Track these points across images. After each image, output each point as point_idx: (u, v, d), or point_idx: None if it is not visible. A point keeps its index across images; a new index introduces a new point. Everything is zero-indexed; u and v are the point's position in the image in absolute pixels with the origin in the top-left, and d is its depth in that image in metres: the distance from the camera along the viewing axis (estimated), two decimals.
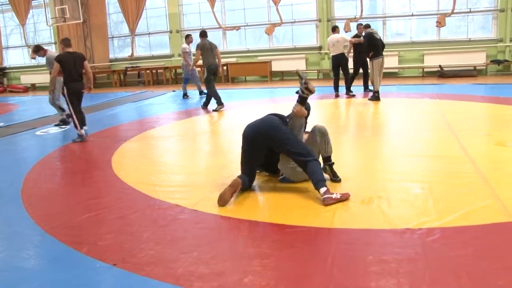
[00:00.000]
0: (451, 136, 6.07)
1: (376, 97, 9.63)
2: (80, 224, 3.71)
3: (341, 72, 10.68)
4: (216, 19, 16.25)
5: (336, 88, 10.67)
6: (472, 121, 7.22)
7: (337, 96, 10.57)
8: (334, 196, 3.83)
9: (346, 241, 3.13)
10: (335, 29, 10.97)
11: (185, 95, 12.45)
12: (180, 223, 3.63)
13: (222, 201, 3.90)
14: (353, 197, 3.93)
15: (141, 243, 3.26)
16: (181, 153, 6.41)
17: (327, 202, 3.79)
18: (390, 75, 13.77)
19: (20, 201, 4.40)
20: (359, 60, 10.96)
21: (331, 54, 11.04)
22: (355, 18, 14.73)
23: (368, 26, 10.31)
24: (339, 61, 10.62)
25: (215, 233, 3.42)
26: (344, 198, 3.86)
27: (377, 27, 14.64)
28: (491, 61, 13.83)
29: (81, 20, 17.47)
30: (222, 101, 9.66)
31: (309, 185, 4.20)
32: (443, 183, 4.24)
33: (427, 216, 3.42)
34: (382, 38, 10.31)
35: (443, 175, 4.49)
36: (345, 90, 10.67)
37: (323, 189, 3.86)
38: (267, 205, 3.95)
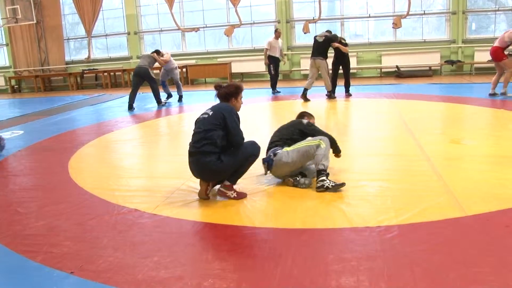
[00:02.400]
0: (408, 135, 6.23)
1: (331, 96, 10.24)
2: (34, 232, 3.59)
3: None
4: (175, 21, 16.11)
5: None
6: (428, 120, 7.45)
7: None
8: (230, 194, 4.07)
9: (306, 241, 3.16)
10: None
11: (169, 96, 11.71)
12: (139, 227, 3.57)
13: (201, 196, 4.11)
14: (314, 196, 3.99)
15: (99, 250, 3.19)
16: (140, 157, 6.32)
17: (220, 194, 4.12)
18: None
19: None
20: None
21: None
22: (313, 19, 14.95)
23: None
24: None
25: (174, 237, 3.38)
26: (239, 197, 4.06)
27: (335, 29, 14.89)
28: (445, 62, 14.31)
29: (35, 21, 16.95)
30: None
31: (269, 188, 4.24)
32: (401, 181, 4.35)
33: (385, 214, 3.50)
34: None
35: (401, 174, 4.61)
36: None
37: (227, 182, 4.11)
38: (227, 208, 3.94)
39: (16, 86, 18.48)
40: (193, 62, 16.32)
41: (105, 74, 17.04)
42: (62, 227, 3.68)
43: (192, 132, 4.15)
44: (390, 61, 14.71)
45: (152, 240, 3.32)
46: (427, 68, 14.37)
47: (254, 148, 4.19)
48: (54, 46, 17.90)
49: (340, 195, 3.98)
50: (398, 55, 14.65)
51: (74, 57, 18.23)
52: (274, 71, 11.91)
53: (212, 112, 4.09)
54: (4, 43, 18.64)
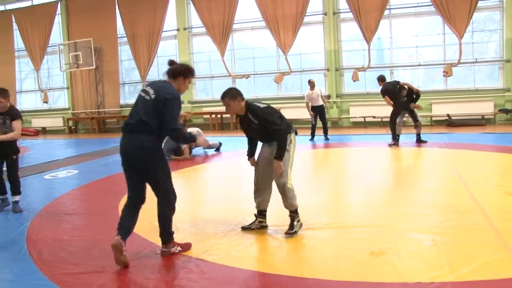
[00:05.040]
0: (461, 186, 6.01)
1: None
2: (84, 271, 3.66)
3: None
4: (226, 67, 16.58)
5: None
6: (482, 170, 7.16)
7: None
8: (175, 250, 3.94)
9: None
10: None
11: None
12: (186, 273, 3.56)
13: (119, 262, 3.69)
14: (362, 248, 3.87)
15: None
16: (188, 201, 6.37)
17: (163, 255, 3.92)
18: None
19: (25, 247, 4.37)
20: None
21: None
22: (363, 67, 15.00)
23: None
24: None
25: (222, 284, 3.35)
26: (184, 249, 3.98)
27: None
28: (499, 110, 13.88)
29: (94, 66, 17.92)
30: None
31: (319, 235, 4.16)
32: (455, 235, 4.16)
33: (439, 269, 3.34)
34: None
35: (455, 227, 4.41)
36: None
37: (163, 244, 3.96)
38: (275, 256, 3.87)
39: (73, 127, 19.36)
40: None
41: None
42: (110, 268, 3.73)
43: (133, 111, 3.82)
44: (440, 110, 14.43)
45: (199, 287, 3.30)
46: (480, 117, 13.98)
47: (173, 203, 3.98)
48: (110, 90, 18.75)
49: (391, 248, 3.84)
50: (449, 103, 14.37)
51: (128, 100, 18.97)
52: (322, 120, 12.01)
53: (154, 95, 3.70)
54: (65, 86, 19.69)
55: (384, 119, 14.38)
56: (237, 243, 4.17)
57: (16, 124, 5.70)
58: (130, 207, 3.94)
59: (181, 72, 3.98)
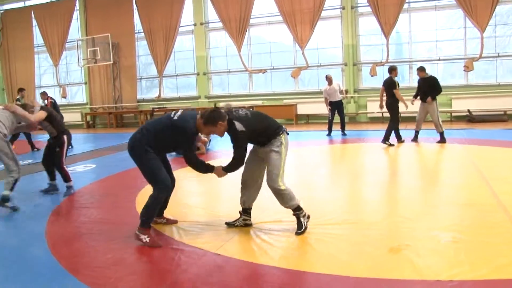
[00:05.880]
0: (482, 183, 5.92)
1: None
2: (102, 265, 3.70)
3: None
4: (243, 62, 16.58)
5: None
6: (504, 167, 7.04)
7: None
8: (143, 238, 4.07)
9: None
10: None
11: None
12: (201, 267, 3.58)
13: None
14: (380, 245, 3.84)
15: (162, 287, 3.23)
16: (205, 194, 6.40)
17: (136, 237, 4.10)
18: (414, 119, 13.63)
19: (44, 240, 4.44)
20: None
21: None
22: (381, 62, 14.86)
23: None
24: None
25: (238, 278, 3.36)
26: (151, 245, 4.04)
27: (403, 71, 14.71)
28: None
29: (111, 62, 18.08)
30: None
31: (336, 230, 4.14)
32: (475, 232, 4.10)
33: (458, 267, 3.30)
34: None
35: (475, 224, 4.36)
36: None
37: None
38: (293, 251, 3.86)
39: (91, 121, 19.60)
40: (259, 102, 16.59)
41: None
42: (127, 261, 3.77)
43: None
44: (461, 105, 14.23)
45: (214, 281, 3.31)
46: (502, 112, 13.74)
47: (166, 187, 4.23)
48: (127, 85, 18.91)
49: (409, 245, 3.80)
50: (470, 99, 14.15)
51: (145, 95, 19.14)
52: (340, 115, 12.01)
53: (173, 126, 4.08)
54: (83, 81, 19.91)
55: (402, 114, 14.21)
56: (252, 237, 4.18)
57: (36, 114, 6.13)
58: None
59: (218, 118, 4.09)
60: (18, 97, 12.74)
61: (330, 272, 3.37)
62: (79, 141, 13.62)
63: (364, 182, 6.85)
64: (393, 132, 9.76)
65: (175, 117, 4.11)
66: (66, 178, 6.50)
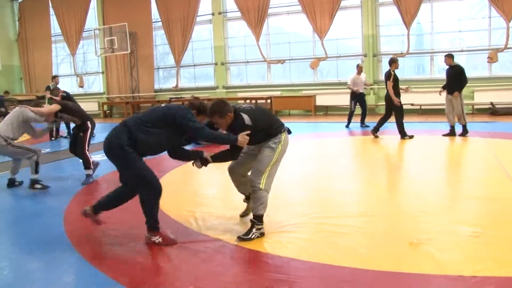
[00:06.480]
0: (504, 177, 5.85)
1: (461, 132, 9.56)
2: (124, 255, 3.76)
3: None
4: (261, 52, 16.52)
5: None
6: None
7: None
8: (156, 239, 3.88)
9: (393, 286, 3.02)
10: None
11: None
12: (220, 258, 3.62)
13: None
14: (400, 238, 3.82)
15: (182, 276, 3.27)
16: (223, 186, 6.43)
17: (147, 240, 3.92)
18: (439, 112, 13.48)
19: (63, 230, 4.52)
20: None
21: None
22: (401, 53, 14.67)
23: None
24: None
25: (254, 270, 3.38)
26: (166, 243, 3.88)
27: (424, 63, 14.51)
28: None
29: (129, 51, 18.16)
30: None
31: (358, 224, 4.13)
32: (498, 227, 4.05)
33: (482, 263, 3.27)
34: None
35: (497, 219, 4.31)
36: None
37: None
38: (309, 243, 3.87)
39: (108, 111, 19.77)
40: (278, 93, 16.53)
41: None
42: (147, 252, 3.82)
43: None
44: (484, 97, 13.98)
45: (233, 273, 3.34)
46: None
47: (156, 185, 3.93)
48: (145, 75, 18.99)
49: (431, 239, 3.78)
50: (493, 91, 13.89)
51: (162, 85, 19.20)
52: (362, 107, 11.96)
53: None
54: (101, 71, 20.07)
55: (423, 107, 14.11)
56: (269, 229, 4.19)
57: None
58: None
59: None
60: (51, 84, 12.83)
61: (349, 265, 3.37)
62: (96, 131, 13.59)
63: (383, 174, 6.81)
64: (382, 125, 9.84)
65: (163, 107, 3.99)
66: (87, 164, 6.63)
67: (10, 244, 4.40)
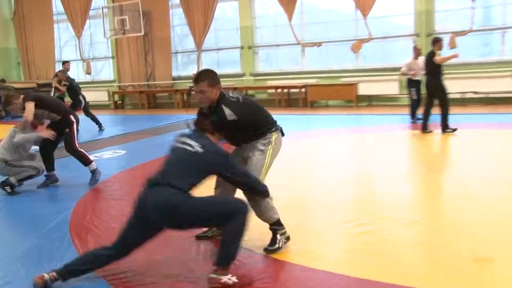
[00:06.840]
0: None
1: None
2: (135, 267, 3.79)
3: None
4: (294, 34, 16.39)
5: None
6: None
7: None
8: (227, 280, 3.36)
9: None
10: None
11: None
12: (247, 269, 3.68)
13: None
14: (462, 253, 3.75)
15: None
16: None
17: (214, 282, 3.37)
18: (507, 101, 13.11)
19: (68, 233, 4.57)
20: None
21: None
22: (463, 31, 14.27)
23: None
24: None
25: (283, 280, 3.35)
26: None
27: (493, 42, 14.05)
28: None
29: (142, 33, 18.19)
30: None
31: (410, 238, 4.05)
32: None
33: None
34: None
35: None
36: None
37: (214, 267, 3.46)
38: (360, 256, 3.82)
39: (119, 101, 19.88)
40: (313, 81, 16.39)
41: None
42: (161, 262, 3.84)
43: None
44: None
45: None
46: None
47: (242, 204, 3.57)
48: (161, 60, 19.07)
49: (497, 255, 3.66)
50: None
51: (181, 72, 19.24)
52: (417, 96, 11.58)
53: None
54: (110, 55, 20.23)
55: (490, 95, 13.68)
56: (305, 240, 4.14)
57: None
58: None
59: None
60: (59, 71, 13.11)
61: (404, 283, 3.29)
62: (106, 124, 13.90)
63: (438, 176, 6.67)
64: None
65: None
66: (85, 160, 6.60)
67: (13, 249, 4.47)
